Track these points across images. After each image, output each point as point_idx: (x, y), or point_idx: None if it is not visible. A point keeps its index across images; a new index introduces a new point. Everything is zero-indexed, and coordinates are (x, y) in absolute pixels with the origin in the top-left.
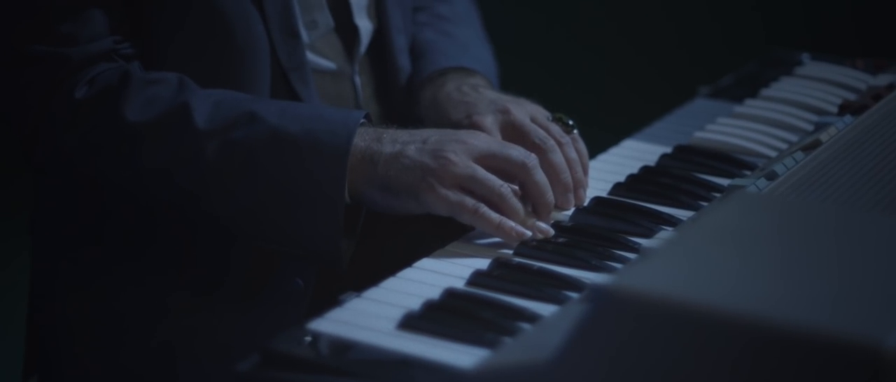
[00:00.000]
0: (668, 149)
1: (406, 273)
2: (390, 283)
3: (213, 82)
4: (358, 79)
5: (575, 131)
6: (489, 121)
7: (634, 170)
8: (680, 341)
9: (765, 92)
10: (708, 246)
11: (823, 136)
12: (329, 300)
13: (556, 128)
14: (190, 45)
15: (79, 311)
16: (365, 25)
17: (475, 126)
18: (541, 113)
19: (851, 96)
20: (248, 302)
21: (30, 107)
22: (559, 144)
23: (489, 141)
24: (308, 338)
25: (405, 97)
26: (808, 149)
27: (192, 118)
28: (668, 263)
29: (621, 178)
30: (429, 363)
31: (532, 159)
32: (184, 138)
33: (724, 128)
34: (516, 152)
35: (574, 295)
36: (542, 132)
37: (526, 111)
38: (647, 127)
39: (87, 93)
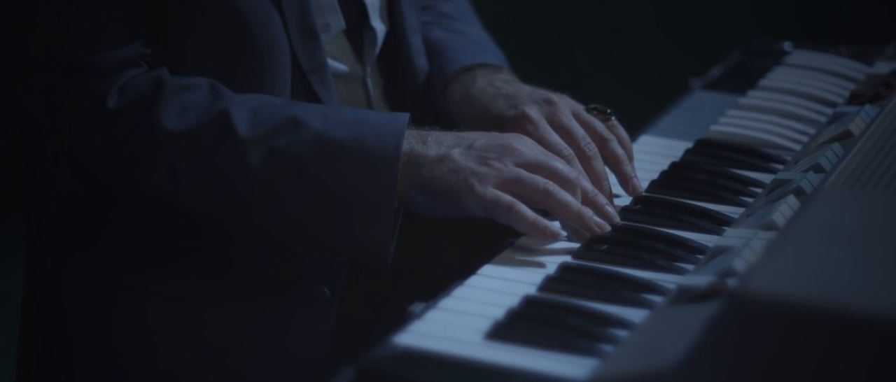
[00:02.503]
0: (686, 144)
1: (473, 281)
2: (461, 292)
3: (234, 85)
4: (370, 82)
5: (613, 118)
6: (535, 111)
7: (658, 165)
8: (817, 341)
9: (763, 83)
10: (820, 245)
11: (852, 127)
12: (359, 308)
13: (599, 125)
14: (211, 49)
15: (94, 320)
16: (380, 27)
17: (522, 117)
18: (579, 107)
19: (851, 85)
20: (274, 308)
21: (55, 116)
22: (604, 141)
23: (535, 150)
24: (396, 351)
25: (424, 97)
26: (840, 139)
27: (234, 125)
28: (788, 264)
29: (648, 175)
30: (535, 375)
31: (575, 173)
32: (226, 146)
33: (737, 120)
34: (560, 164)
35: (653, 297)
36: (587, 137)
37: (567, 105)
38: (656, 121)
39: (119, 101)
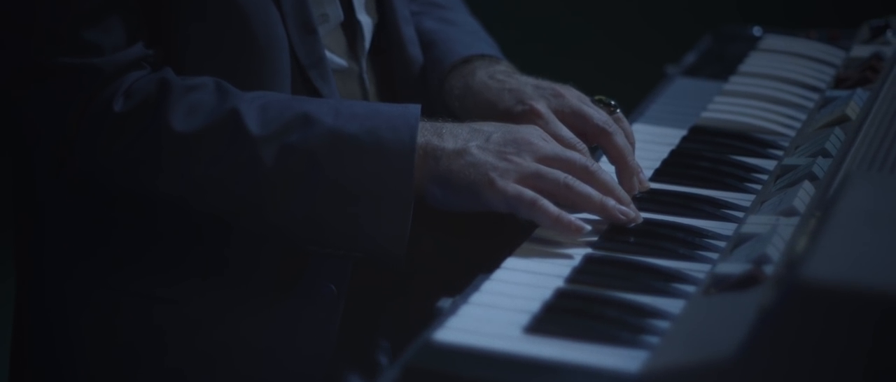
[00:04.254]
0: (679, 132)
1: (499, 274)
2: (489, 286)
3: (235, 83)
4: (367, 76)
5: (618, 111)
6: (543, 106)
7: (656, 153)
8: (881, 326)
9: (743, 68)
10: (866, 230)
11: (848, 111)
12: (367, 305)
13: (605, 116)
14: (211, 47)
15: (99, 325)
16: (366, 21)
17: (531, 112)
18: (584, 97)
19: (829, 69)
20: (280, 306)
21: (59, 122)
22: (608, 134)
23: (551, 142)
24: (438, 349)
25: (419, 89)
26: (838, 123)
27: (245, 124)
28: (839, 250)
29: (649, 163)
30: (586, 368)
31: (593, 163)
32: (237, 146)
33: (726, 107)
34: (577, 156)
35: (683, 286)
36: (604, 114)
37: (574, 96)
38: (644, 109)
39: (126, 105)
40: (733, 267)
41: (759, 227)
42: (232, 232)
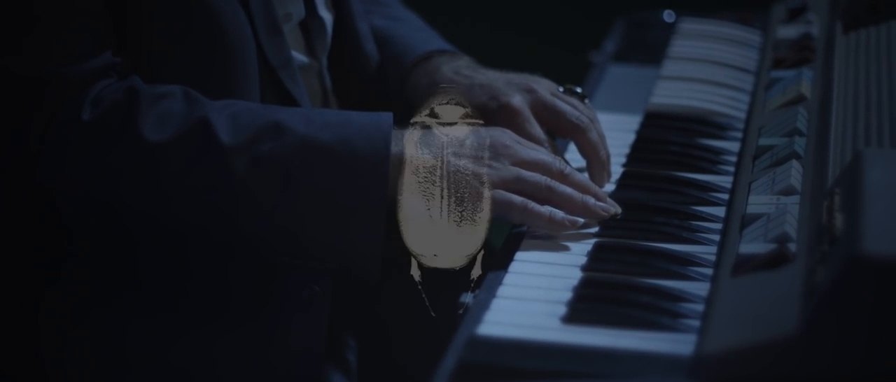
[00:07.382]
0: (633, 118)
1: (516, 267)
2: (512, 279)
3: (205, 85)
4: (326, 73)
5: (587, 100)
6: (518, 101)
7: (620, 140)
8: None
9: (672, 53)
10: None
11: (803, 90)
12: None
13: (578, 105)
14: (181, 49)
15: (65, 342)
16: (327, 17)
17: (506, 108)
18: (554, 87)
19: (752, 51)
20: (259, 316)
21: (29, 132)
22: (584, 131)
23: (525, 145)
24: (486, 343)
25: (377, 85)
26: (796, 102)
27: (215, 134)
28: (885, 225)
29: (614, 149)
30: (638, 354)
31: (566, 166)
32: (209, 156)
33: (672, 91)
34: (551, 159)
35: (701, 269)
36: (576, 111)
37: (547, 88)
38: (590, 97)
39: (94, 114)
40: (755, 247)
41: (762, 207)
42: (205, 242)
